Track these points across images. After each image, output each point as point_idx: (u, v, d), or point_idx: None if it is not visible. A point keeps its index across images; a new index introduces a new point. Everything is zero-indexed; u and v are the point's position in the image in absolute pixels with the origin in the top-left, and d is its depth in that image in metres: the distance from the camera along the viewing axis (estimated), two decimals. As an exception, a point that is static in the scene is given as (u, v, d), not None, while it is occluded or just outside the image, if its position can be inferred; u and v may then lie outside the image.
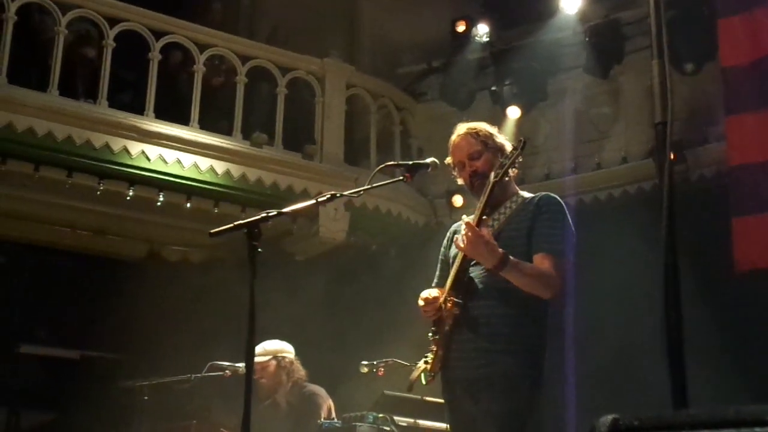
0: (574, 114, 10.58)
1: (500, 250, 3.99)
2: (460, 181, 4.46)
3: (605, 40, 9.87)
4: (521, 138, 4.21)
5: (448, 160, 4.45)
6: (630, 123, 10.07)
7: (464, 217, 4.17)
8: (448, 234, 4.58)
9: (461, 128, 4.44)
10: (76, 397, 9.93)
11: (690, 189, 9.13)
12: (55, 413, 10.40)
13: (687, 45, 9.23)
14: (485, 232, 4.01)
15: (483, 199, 4.12)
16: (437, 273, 4.50)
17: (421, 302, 4.18)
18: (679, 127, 9.38)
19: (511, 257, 4.00)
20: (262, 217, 3.86)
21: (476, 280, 4.16)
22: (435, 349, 4.20)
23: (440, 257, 4.54)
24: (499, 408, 4.00)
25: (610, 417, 1.51)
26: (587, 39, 9.91)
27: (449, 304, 4.11)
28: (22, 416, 10.38)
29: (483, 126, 4.44)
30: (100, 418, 8.37)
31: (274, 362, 6.69)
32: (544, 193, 4.35)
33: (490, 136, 4.38)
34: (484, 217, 4.11)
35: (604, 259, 8.53)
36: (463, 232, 4.06)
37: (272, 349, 6.71)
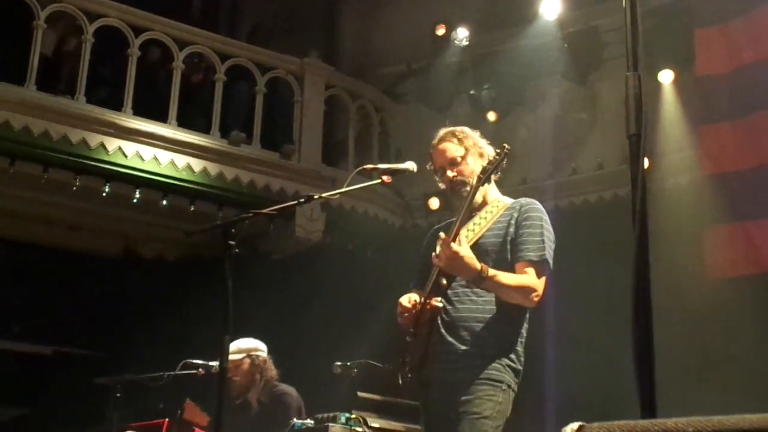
0: (552, 119, 10.63)
1: (478, 265, 3.98)
2: (441, 186, 4.45)
3: (584, 46, 9.93)
4: (504, 144, 4.18)
5: (430, 164, 4.45)
6: (607, 129, 10.12)
7: (441, 234, 4.16)
8: (428, 235, 4.58)
9: (443, 132, 4.42)
10: (48, 392, 9.90)
11: (664, 196, 9.20)
12: (27, 408, 10.35)
13: (664, 53, 9.30)
14: (462, 247, 4.00)
15: (464, 206, 4.12)
16: (416, 274, 4.49)
17: (399, 309, 4.18)
18: (654, 134, 9.46)
19: (490, 270, 4.00)
20: (239, 218, 3.89)
21: (456, 283, 4.17)
22: (412, 350, 4.21)
23: (419, 258, 4.53)
24: (475, 411, 4.01)
25: (576, 424, 1.53)
26: (566, 45, 9.96)
27: (428, 307, 4.12)
28: (-6, 411, 10.34)
29: (465, 131, 4.42)
30: (72, 414, 8.34)
31: (248, 360, 6.66)
32: (524, 198, 4.33)
33: (473, 141, 4.37)
34: (461, 230, 4.11)
35: (579, 264, 8.57)
36: (438, 249, 4.06)
37: (246, 347, 6.70)
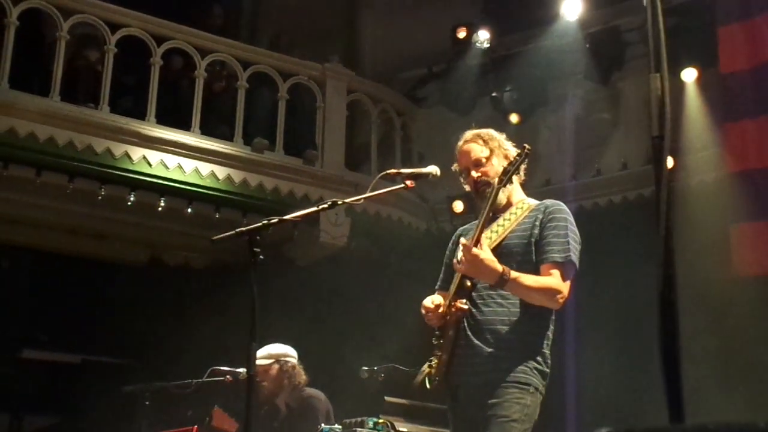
0: (575, 120, 10.59)
1: (499, 267, 3.98)
2: (467, 187, 4.46)
3: (605, 46, 9.90)
4: (525, 145, 4.20)
5: (455, 166, 4.46)
6: (630, 129, 10.09)
7: (462, 239, 4.17)
8: (453, 237, 4.59)
9: (469, 134, 4.45)
10: (77, 401, 9.96)
11: (690, 195, 9.16)
12: (57, 417, 10.42)
13: (687, 52, 9.26)
14: (483, 251, 4.00)
15: (486, 207, 4.12)
16: (441, 276, 4.51)
17: (423, 310, 4.19)
18: (679, 133, 9.41)
19: (512, 273, 4.00)
20: (264, 224, 3.89)
21: (481, 286, 4.17)
22: (439, 354, 4.21)
23: (445, 260, 4.55)
24: (503, 414, 4.01)
25: (603, 430, 1.54)
26: (587, 45, 9.92)
27: (454, 309, 4.12)
28: (24, 420, 10.41)
29: (491, 132, 4.45)
30: (101, 423, 8.39)
31: (276, 366, 6.69)
32: (549, 200, 4.34)
33: (498, 142, 4.39)
34: (483, 234, 4.11)
35: (604, 265, 8.54)
36: (460, 255, 4.07)
37: (275, 353, 6.73)
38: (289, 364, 6.74)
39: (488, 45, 10.70)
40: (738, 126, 8.77)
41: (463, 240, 4.14)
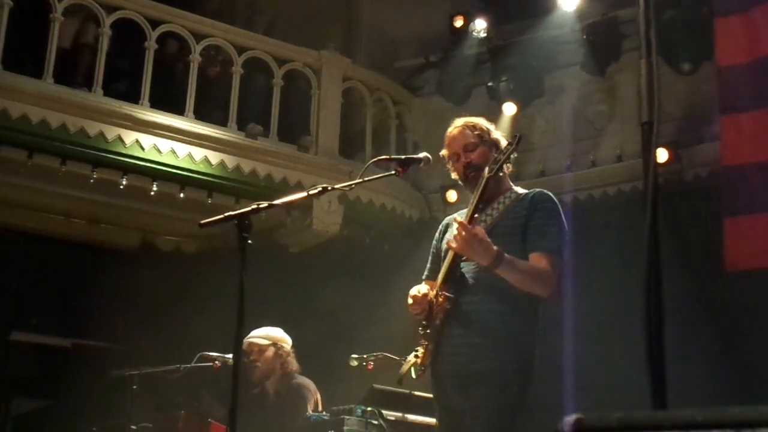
0: (571, 111, 10.56)
1: (495, 247, 3.97)
2: (454, 175, 4.46)
3: (603, 37, 9.86)
4: (516, 134, 4.22)
5: (444, 152, 4.46)
6: (626, 121, 10.05)
7: (456, 215, 4.16)
8: (440, 227, 4.59)
9: (458, 121, 4.47)
10: (67, 385, 9.94)
11: (685, 188, 9.13)
12: (46, 401, 10.39)
13: (685, 44, 9.23)
14: (478, 229, 3.99)
15: (476, 194, 4.12)
16: (428, 266, 4.50)
17: (409, 300, 4.17)
18: (674, 126, 9.39)
19: (506, 255, 3.99)
20: (253, 209, 3.87)
21: (468, 276, 4.15)
22: (426, 343, 4.20)
23: (432, 250, 4.54)
24: (488, 404, 4.00)
25: (573, 416, 1.52)
26: (585, 36, 9.89)
27: (441, 299, 4.11)
28: (13, 403, 10.39)
29: (480, 121, 4.46)
30: (90, 407, 8.38)
31: (272, 349, 6.73)
32: (537, 189, 4.36)
33: (486, 130, 4.40)
34: (476, 215, 4.10)
35: (598, 257, 8.53)
36: (455, 231, 4.04)
37: (274, 336, 6.77)
38: (284, 350, 6.78)
39: (485, 34, 10.65)
40: (734, 119, 8.74)
41: (458, 217, 4.13)
